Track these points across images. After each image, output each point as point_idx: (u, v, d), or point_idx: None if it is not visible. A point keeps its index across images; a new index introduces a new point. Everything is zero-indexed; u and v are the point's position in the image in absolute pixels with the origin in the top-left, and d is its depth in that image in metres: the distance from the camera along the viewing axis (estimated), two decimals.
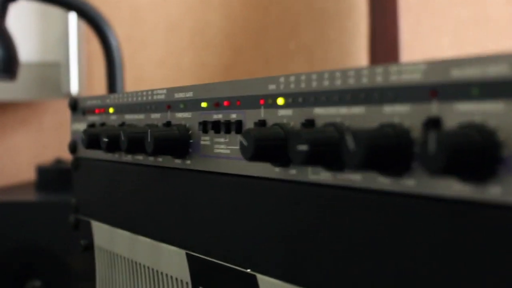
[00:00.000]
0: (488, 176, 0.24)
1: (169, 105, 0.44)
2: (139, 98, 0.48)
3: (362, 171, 0.29)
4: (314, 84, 0.32)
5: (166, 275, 0.45)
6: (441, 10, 1.14)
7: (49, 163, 0.96)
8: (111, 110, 0.52)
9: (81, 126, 0.57)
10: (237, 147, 0.37)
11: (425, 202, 0.26)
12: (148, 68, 1.18)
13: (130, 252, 0.50)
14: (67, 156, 0.99)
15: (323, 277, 0.32)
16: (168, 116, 0.44)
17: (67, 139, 1.27)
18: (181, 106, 0.43)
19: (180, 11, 1.18)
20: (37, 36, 1.13)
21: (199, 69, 1.18)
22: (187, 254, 0.42)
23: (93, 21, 0.91)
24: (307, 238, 0.33)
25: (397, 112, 0.28)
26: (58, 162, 0.95)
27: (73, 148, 0.59)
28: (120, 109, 0.51)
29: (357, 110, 0.30)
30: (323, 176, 0.31)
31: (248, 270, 0.37)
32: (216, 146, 0.39)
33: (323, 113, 0.32)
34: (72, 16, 1.11)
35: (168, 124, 0.44)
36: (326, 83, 0.32)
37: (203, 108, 0.41)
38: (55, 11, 1.09)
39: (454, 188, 0.25)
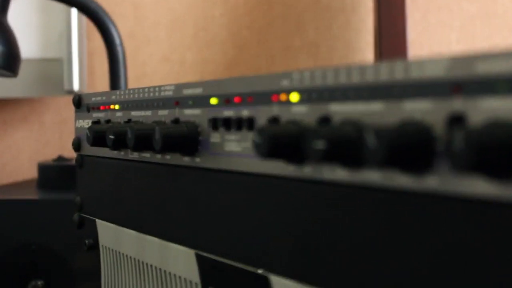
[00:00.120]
0: None
1: (177, 102, 0.43)
2: (146, 95, 0.47)
3: (383, 169, 0.28)
4: (330, 79, 0.31)
5: (175, 275, 0.44)
6: (448, 5, 1.13)
7: (51, 160, 0.95)
8: (116, 106, 0.51)
9: (86, 123, 0.56)
10: (249, 145, 0.36)
11: (447, 201, 0.26)
12: (151, 65, 1.18)
13: (137, 252, 0.49)
14: (69, 153, 0.98)
15: (339, 278, 0.31)
16: (176, 112, 0.43)
17: (69, 136, 1.26)
18: (190, 102, 0.42)
19: (183, 7, 1.17)
20: (38, 32, 1.12)
21: (203, 65, 1.17)
22: (196, 254, 0.41)
23: (95, 17, 0.90)
24: (321, 238, 0.32)
25: (418, 109, 0.27)
26: (60, 159, 0.94)
27: (77, 145, 0.58)
28: (126, 105, 0.50)
29: (376, 106, 0.29)
30: (339, 174, 0.31)
31: (260, 270, 0.36)
32: (227, 143, 0.38)
33: (339, 109, 0.31)
34: (74, 12, 1.10)
35: (176, 121, 0.43)
36: (342, 78, 0.31)
37: (213, 105, 0.40)
38: (56, 6, 1.08)
39: (478, 186, 0.24)
